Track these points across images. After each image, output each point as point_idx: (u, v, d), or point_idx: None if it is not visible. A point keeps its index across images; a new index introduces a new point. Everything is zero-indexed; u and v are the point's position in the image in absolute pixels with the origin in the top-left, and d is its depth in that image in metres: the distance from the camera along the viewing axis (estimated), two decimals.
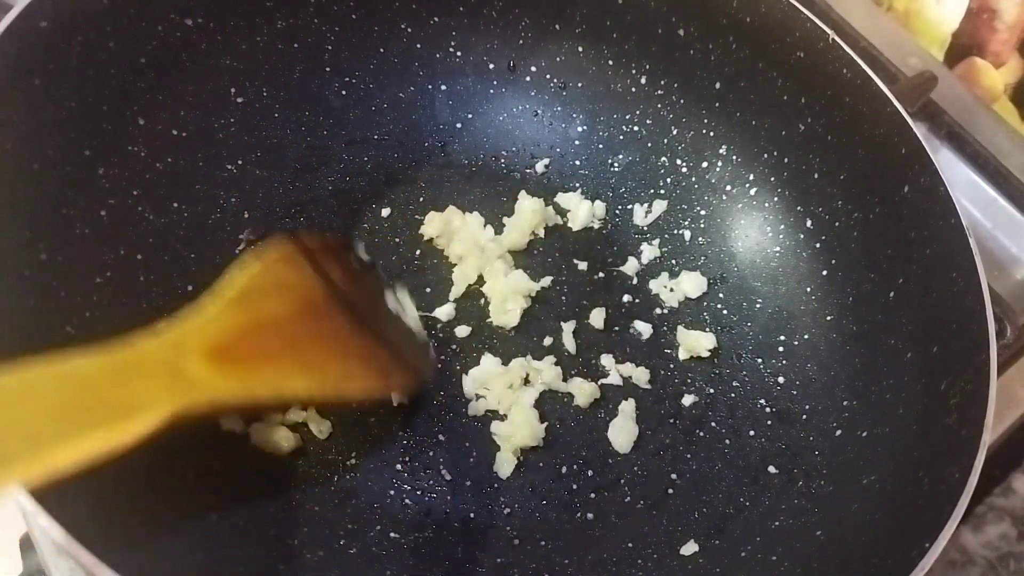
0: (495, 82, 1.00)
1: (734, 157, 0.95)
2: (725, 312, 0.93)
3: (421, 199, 0.95)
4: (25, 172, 0.70)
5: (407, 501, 0.77)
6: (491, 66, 1.00)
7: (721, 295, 0.93)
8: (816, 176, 0.90)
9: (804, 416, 0.85)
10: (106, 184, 0.77)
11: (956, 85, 1.19)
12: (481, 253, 0.90)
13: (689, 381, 0.88)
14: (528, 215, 0.92)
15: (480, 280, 0.90)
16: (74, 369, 0.55)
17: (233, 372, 0.63)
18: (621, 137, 1.00)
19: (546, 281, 0.91)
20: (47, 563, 0.75)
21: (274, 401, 0.69)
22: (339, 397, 0.72)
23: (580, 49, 0.99)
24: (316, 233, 0.87)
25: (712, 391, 0.88)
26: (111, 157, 0.77)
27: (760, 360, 0.89)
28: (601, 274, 0.94)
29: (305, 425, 0.78)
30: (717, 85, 0.94)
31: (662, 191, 0.98)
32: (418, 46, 0.97)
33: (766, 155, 0.93)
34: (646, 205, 0.97)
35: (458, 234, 0.91)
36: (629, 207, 0.98)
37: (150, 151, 0.81)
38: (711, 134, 0.96)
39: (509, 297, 0.88)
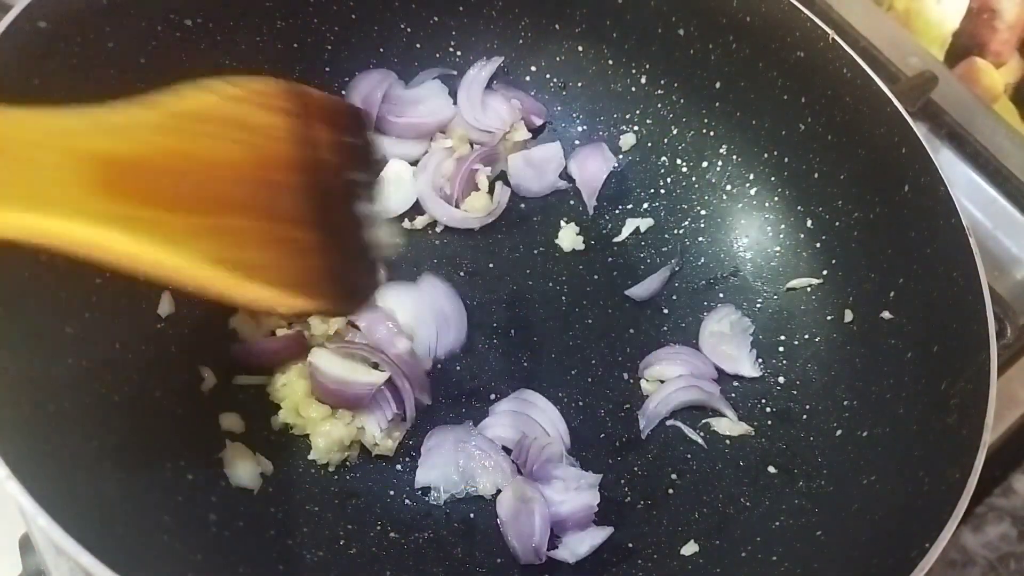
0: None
1: (734, 157, 0.95)
2: None
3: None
4: None
5: (407, 501, 0.78)
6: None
7: (721, 295, 0.93)
8: (816, 176, 0.90)
9: (804, 416, 0.85)
10: None
11: (956, 85, 1.19)
12: None
13: None
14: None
15: None
16: None
17: (117, 202, 0.48)
18: (621, 137, 1.00)
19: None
20: (47, 563, 0.75)
21: (146, 263, 0.51)
22: (240, 291, 0.55)
23: (580, 49, 0.99)
24: (324, 92, 0.71)
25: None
26: None
27: (760, 360, 0.89)
28: (598, 276, 0.95)
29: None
30: (717, 85, 0.94)
31: (662, 191, 0.98)
32: (418, 46, 0.97)
33: (766, 155, 0.93)
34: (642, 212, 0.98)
35: None
36: (629, 206, 0.98)
37: None
38: (711, 134, 0.96)
39: None
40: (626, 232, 0.97)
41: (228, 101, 0.59)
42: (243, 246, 0.55)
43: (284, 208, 0.58)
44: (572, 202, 0.98)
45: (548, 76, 1.00)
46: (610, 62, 0.98)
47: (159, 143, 0.52)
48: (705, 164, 0.97)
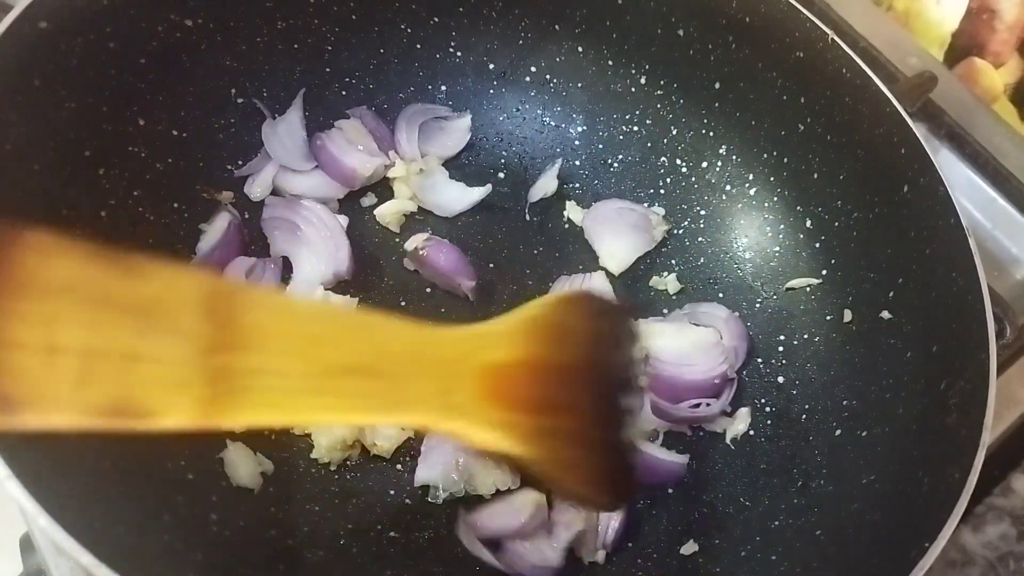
0: (495, 82, 1.00)
1: (734, 157, 0.95)
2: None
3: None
4: (25, 172, 0.70)
5: (407, 500, 0.78)
6: (491, 66, 1.00)
7: (721, 295, 0.93)
8: (816, 176, 0.90)
9: (804, 416, 0.85)
10: (106, 184, 0.77)
11: (956, 85, 1.19)
12: None
13: None
14: None
15: None
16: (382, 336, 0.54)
17: (497, 408, 0.56)
18: (621, 137, 1.00)
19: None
20: (47, 563, 0.75)
21: (505, 458, 0.60)
22: (558, 486, 0.64)
23: (580, 49, 0.99)
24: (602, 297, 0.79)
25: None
26: (111, 158, 0.78)
27: (760, 360, 0.89)
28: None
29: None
30: (717, 85, 0.94)
31: (662, 191, 0.98)
32: (418, 46, 0.97)
33: (766, 155, 0.93)
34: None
35: None
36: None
37: (150, 151, 0.81)
38: (711, 134, 0.96)
39: None
40: None
41: (555, 309, 0.64)
42: (563, 444, 0.60)
43: (590, 407, 0.63)
44: (570, 202, 0.98)
45: (548, 76, 1.00)
46: (610, 62, 0.99)
47: (525, 351, 0.59)
48: (705, 164, 0.97)
